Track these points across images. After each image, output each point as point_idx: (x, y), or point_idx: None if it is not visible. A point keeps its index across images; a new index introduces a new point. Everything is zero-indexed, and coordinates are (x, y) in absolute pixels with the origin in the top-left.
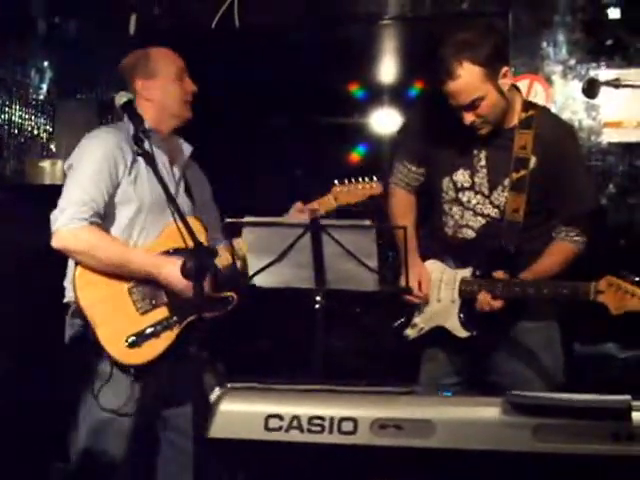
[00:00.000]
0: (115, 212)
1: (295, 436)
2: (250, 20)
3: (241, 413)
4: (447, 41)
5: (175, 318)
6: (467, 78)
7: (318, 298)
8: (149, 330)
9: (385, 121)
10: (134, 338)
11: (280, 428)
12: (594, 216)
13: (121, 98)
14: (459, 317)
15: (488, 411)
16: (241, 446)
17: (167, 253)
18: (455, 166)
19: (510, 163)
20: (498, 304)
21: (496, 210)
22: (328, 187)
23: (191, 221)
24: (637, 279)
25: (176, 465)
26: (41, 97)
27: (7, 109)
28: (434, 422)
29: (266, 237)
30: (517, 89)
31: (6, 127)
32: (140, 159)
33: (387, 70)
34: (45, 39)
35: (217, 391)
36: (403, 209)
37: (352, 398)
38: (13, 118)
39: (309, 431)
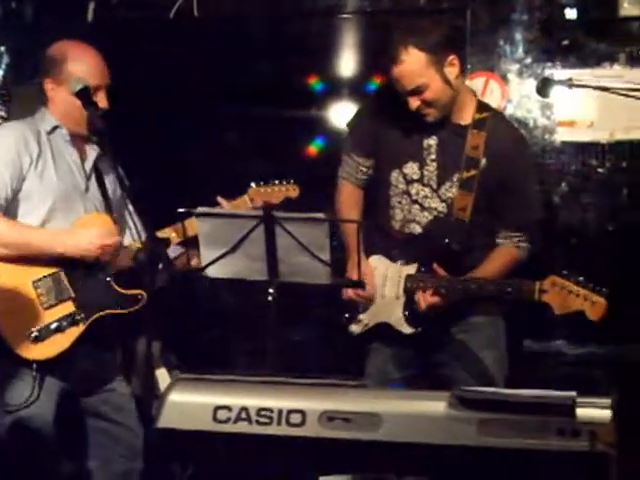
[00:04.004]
0: (22, 206)
1: (243, 427)
2: (209, 10)
3: (190, 404)
4: (397, 26)
5: (82, 314)
6: (411, 63)
7: (271, 290)
8: (54, 325)
9: (343, 114)
10: (37, 333)
11: (228, 419)
12: (539, 224)
13: (77, 85)
14: (404, 314)
15: (435, 405)
16: (190, 437)
17: None
18: (405, 158)
19: (460, 160)
20: (436, 300)
21: (443, 204)
22: (245, 189)
23: (102, 217)
24: (581, 279)
25: (107, 450)
26: None
27: None
28: (381, 415)
29: (219, 228)
30: (473, 91)
31: None
32: (48, 154)
33: (346, 64)
34: (1, 24)
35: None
36: (351, 204)
37: (301, 390)
38: None
39: (257, 422)
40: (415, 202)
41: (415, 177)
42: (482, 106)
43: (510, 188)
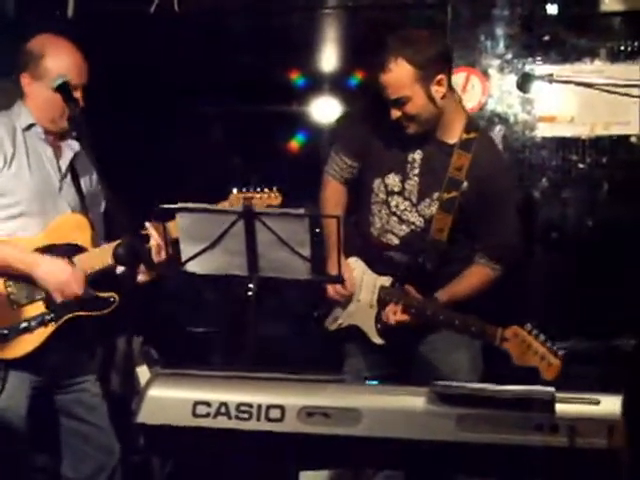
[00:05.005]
0: None
1: (223, 423)
2: (190, 5)
3: (169, 399)
4: (396, 33)
5: (52, 315)
6: (397, 75)
7: (250, 285)
8: (23, 325)
9: (325, 109)
10: (6, 331)
11: (208, 414)
12: (515, 249)
13: (56, 80)
14: (376, 326)
15: (414, 400)
16: (170, 432)
17: (43, 250)
18: (388, 169)
19: (443, 178)
20: (405, 318)
21: (421, 219)
22: (226, 185)
23: (77, 217)
24: (542, 336)
25: (77, 450)
26: None
27: None
28: (361, 410)
29: (200, 223)
30: (463, 108)
31: None
32: (22, 151)
33: (328, 59)
34: None
35: (148, 376)
36: (335, 200)
37: (280, 385)
38: None
39: (237, 418)
40: (394, 214)
41: (396, 189)
42: (471, 126)
43: (488, 212)
